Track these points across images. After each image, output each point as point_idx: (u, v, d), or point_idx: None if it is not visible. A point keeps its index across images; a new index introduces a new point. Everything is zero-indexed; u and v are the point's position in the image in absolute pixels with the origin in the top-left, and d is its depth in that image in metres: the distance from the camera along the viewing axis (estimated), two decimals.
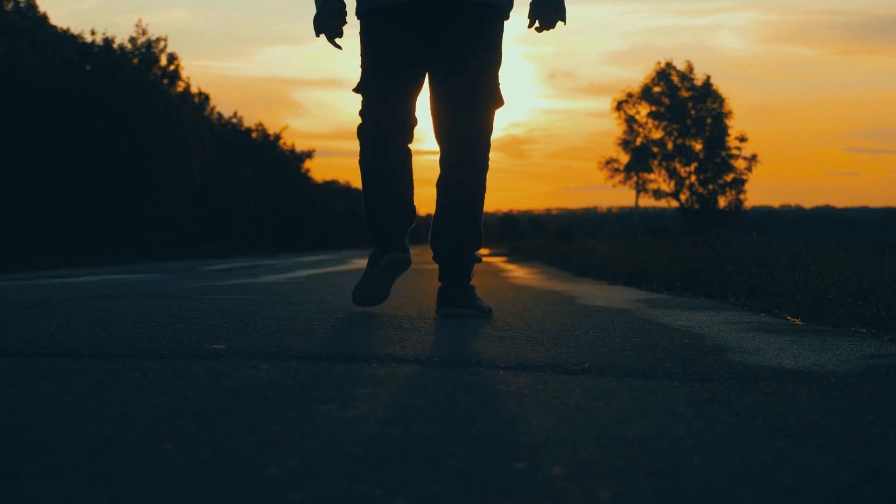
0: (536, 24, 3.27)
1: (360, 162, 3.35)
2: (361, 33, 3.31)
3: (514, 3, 3.30)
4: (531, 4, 3.27)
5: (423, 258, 11.73)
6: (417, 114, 3.35)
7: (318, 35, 3.32)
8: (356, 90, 3.34)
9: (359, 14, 3.28)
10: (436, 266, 3.48)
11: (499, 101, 3.28)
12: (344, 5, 3.32)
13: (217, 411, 1.48)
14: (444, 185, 3.30)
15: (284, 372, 1.90)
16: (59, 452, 1.19)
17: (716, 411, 1.58)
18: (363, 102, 3.32)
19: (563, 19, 3.27)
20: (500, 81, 3.29)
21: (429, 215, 3.53)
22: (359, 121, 3.38)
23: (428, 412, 1.51)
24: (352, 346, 2.36)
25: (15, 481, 1.05)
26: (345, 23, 3.32)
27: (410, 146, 3.36)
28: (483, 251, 4.14)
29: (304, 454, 1.21)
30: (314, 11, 3.33)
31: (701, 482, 1.13)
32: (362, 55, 3.31)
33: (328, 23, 3.29)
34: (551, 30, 3.28)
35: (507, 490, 1.08)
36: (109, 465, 1.14)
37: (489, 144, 3.30)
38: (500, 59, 3.28)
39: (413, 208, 3.36)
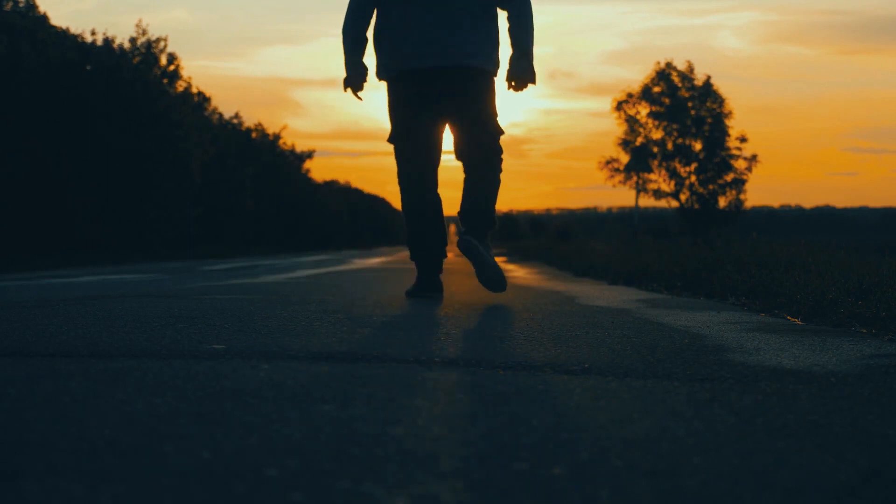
0: (513, 85, 4.27)
1: (404, 206, 4.31)
2: (389, 93, 4.24)
3: (500, 65, 4.30)
4: (508, 71, 4.26)
5: None
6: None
7: (345, 90, 4.30)
8: (389, 141, 4.27)
9: (386, 78, 4.22)
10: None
11: (500, 132, 4.24)
12: (367, 70, 4.29)
13: (217, 411, 1.48)
14: (469, 187, 4.21)
15: (284, 372, 1.90)
16: (59, 452, 1.19)
17: (716, 411, 1.58)
18: (396, 149, 4.27)
19: (533, 81, 4.26)
20: (498, 118, 4.24)
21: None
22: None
23: (428, 412, 1.51)
24: (351, 347, 2.36)
25: (15, 481, 1.05)
26: (365, 81, 4.31)
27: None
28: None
29: (304, 454, 1.21)
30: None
31: (701, 482, 1.13)
32: (390, 111, 4.25)
33: (355, 82, 4.27)
34: (524, 90, 4.27)
35: (507, 490, 1.08)
36: (109, 465, 1.14)
37: (501, 160, 4.26)
38: (495, 104, 4.26)
39: (444, 245, 4.33)
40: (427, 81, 4.12)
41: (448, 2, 4.10)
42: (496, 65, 4.23)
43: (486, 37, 4.16)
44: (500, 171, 4.27)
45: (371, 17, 4.27)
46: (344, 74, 4.30)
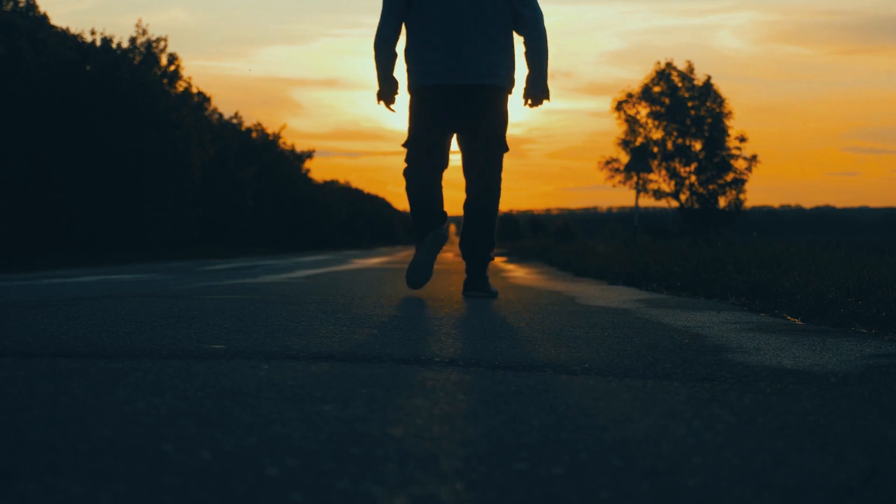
0: (529, 102, 4.66)
1: (408, 193, 4.66)
2: (410, 103, 4.65)
3: (515, 81, 4.67)
4: (525, 89, 4.64)
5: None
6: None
7: (378, 102, 4.69)
8: (404, 145, 4.67)
9: (410, 89, 4.63)
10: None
11: (505, 149, 4.66)
12: (398, 84, 4.67)
13: (217, 411, 1.48)
14: (470, 211, 4.66)
15: (284, 372, 1.90)
16: (59, 452, 1.19)
17: (716, 411, 1.58)
18: (409, 153, 4.65)
19: (548, 98, 4.67)
20: (506, 136, 4.65)
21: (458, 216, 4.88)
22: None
23: (428, 412, 1.51)
24: (351, 347, 2.36)
25: (15, 481, 1.05)
26: (397, 93, 4.69)
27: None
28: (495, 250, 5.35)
29: (304, 454, 1.21)
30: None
31: (701, 482, 1.13)
32: (410, 119, 4.64)
33: (388, 95, 4.66)
34: (539, 106, 4.67)
35: (507, 490, 1.08)
36: (109, 465, 1.14)
37: (500, 179, 4.68)
38: (507, 120, 4.63)
39: (444, 214, 4.66)
40: (446, 97, 4.52)
41: (470, 23, 4.49)
42: (512, 82, 4.63)
43: (503, 56, 4.57)
44: (499, 190, 4.69)
45: (400, 32, 4.66)
46: (377, 88, 4.69)
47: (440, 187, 4.69)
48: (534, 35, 4.60)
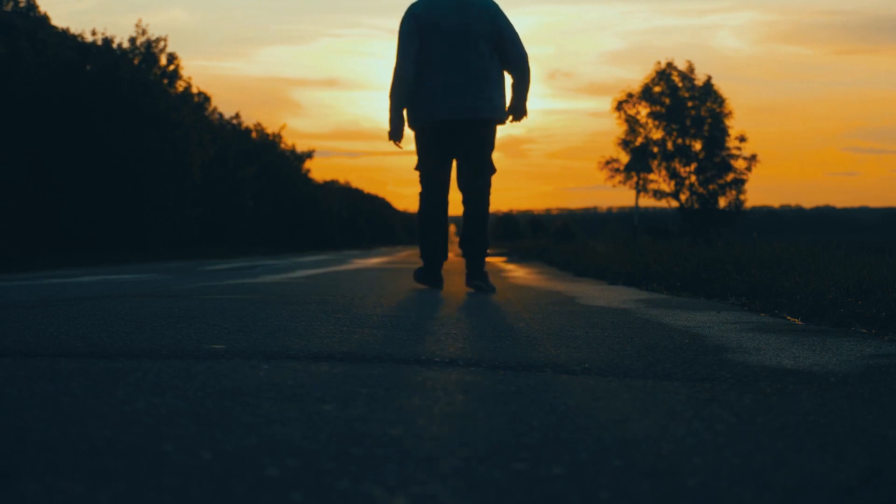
0: (511, 118, 5.45)
1: (420, 214, 5.52)
2: (416, 137, 5.48)
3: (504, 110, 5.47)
4: (509, 108, 5.42)
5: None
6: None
7: (389, 140, 5.50)
8: (416, 168, 5.50)
9: (413, 127, 5.46)
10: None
11: (493, 171, 5.49)
12: (404, 121, 5.45)
13: (217, 411, 1.48)
14: (468, 217, 5.44)
15: (284, 372, 1.90)
16: (59, 452, 1.19)
17: (716, 411, 1.58)
18: (420, 176, 5.48)
19: (527, 116, 5.52)
20: (493, 159, 5.50)
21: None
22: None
23: (428, 412, 1.51)
24: (351, 347, 2.36)
25: (15, 481, 1.05)
26: (404, 130, 5.49)
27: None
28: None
29: (304, 454, 1.21)
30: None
31: (701, 482, 1.13)
32: (417, 149, 5.48)
33: (397, 135, 5.44)
34: (519, 122, 5.49)
35: (507, 490, 1.08)
36: (109, 465, 1.14)
37: (490, 193, 5.50)
38: (494, 146, 5.46)
39: (447, 248, 5.55)
40: (446, 130, 5.31)
41: (468, 69, 5.26)
42: (502, 114, 5.41)
43: (498, 93, 5.34)
44: (489, 203, 5.48)
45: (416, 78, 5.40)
46: (388, 128, 5.45)
47: (447, 202, 5.51)
48: (520, 72, 5.39)
